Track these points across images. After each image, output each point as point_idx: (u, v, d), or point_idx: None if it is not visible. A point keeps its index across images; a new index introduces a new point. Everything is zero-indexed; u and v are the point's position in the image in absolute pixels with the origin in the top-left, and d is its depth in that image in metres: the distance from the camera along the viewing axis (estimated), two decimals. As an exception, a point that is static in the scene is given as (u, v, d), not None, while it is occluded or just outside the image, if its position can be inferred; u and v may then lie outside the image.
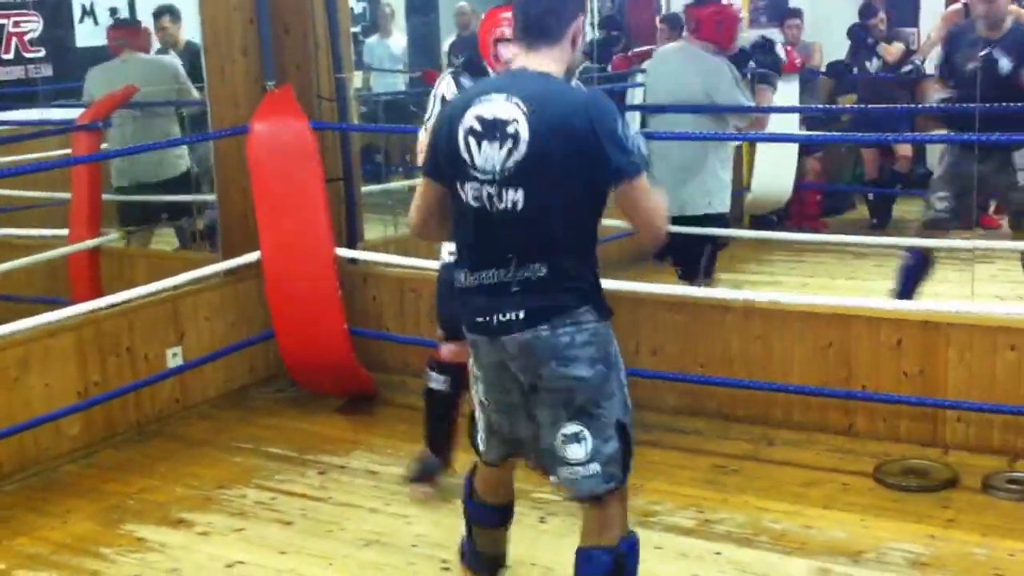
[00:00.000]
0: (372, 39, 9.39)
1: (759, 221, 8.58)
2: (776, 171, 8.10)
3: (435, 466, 4.50)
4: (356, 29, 8.42)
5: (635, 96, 9.42)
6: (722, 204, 5.72)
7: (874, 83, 8.66)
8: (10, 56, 6.76)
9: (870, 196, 9.00)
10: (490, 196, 2.87)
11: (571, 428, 2.97)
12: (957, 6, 8.21)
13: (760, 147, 8.28)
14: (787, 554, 3.94)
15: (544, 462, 3.12)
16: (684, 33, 6.10)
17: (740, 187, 8.81)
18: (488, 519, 3.50)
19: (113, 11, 7.75)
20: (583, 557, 3.08)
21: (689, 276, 5.75)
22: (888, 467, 4.52)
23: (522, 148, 2.82)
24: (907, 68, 8.52)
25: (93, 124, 5.82)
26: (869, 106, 8.42)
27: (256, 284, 5.54)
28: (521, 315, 2.91)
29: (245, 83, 5.72)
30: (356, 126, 6.12)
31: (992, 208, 8.16)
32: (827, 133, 8.46)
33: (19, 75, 6.84)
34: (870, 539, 4.01)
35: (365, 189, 6.32)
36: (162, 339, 5.41)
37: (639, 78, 8.16)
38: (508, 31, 3.71)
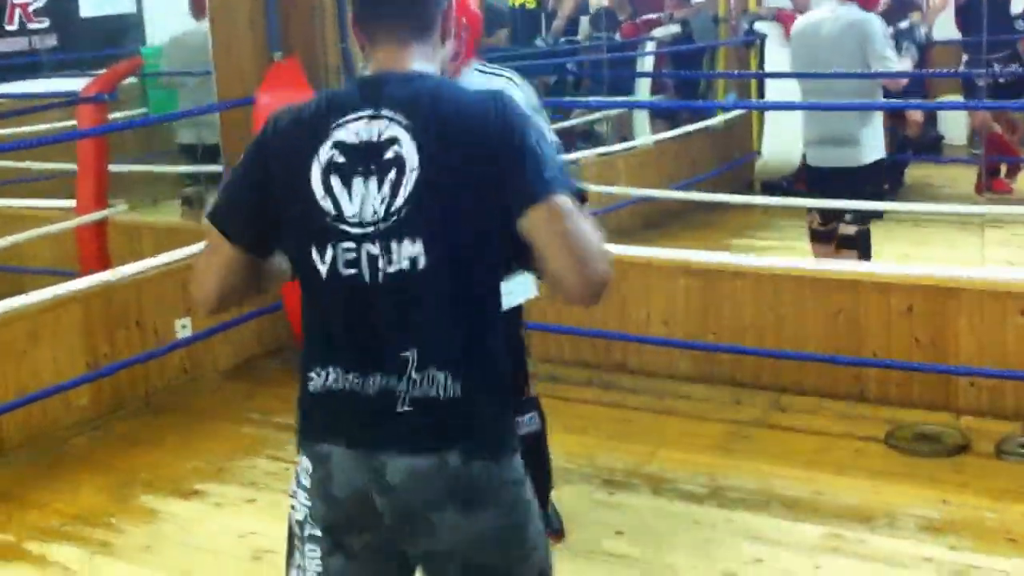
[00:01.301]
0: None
1: (769, 186, 8.56)
2: (786, 137, 8.05)
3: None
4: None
5: (644, 64, 9.40)
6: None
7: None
8: (14, 27, 6.74)
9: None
10: (372, 258, 1.94)
11: None
12: None
13: (770, 114, 8.24)
14: (799, 520, 3.93)
15: None
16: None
17: (750, 152, 8.80)
18: None
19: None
20: None
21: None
22: (900, 432, 4.50)
23: (411, 178, 1.94)
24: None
25: (99, 96, 5.80)
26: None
27: (265, 255, 5.51)
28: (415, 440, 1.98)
29: (252, 55, 5.68)
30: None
31: (1004, 171, 8.15)
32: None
33: (22, 47, 6.82)
34: (882, 504, 3.99)
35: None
36: (171, 311, 5.40)
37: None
38: None
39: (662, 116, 9.09)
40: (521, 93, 3.17)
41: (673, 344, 5.10)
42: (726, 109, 8.77)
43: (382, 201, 1.94)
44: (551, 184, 1.91)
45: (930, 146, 9.22)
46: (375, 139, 1.96)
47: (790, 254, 5.85)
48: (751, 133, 8.87)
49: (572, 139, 9.17)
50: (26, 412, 4.79)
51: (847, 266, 5.03)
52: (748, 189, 8.69)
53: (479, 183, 1.92)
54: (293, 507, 2.14)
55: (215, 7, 5.67)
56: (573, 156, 8.11)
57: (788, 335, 4.90)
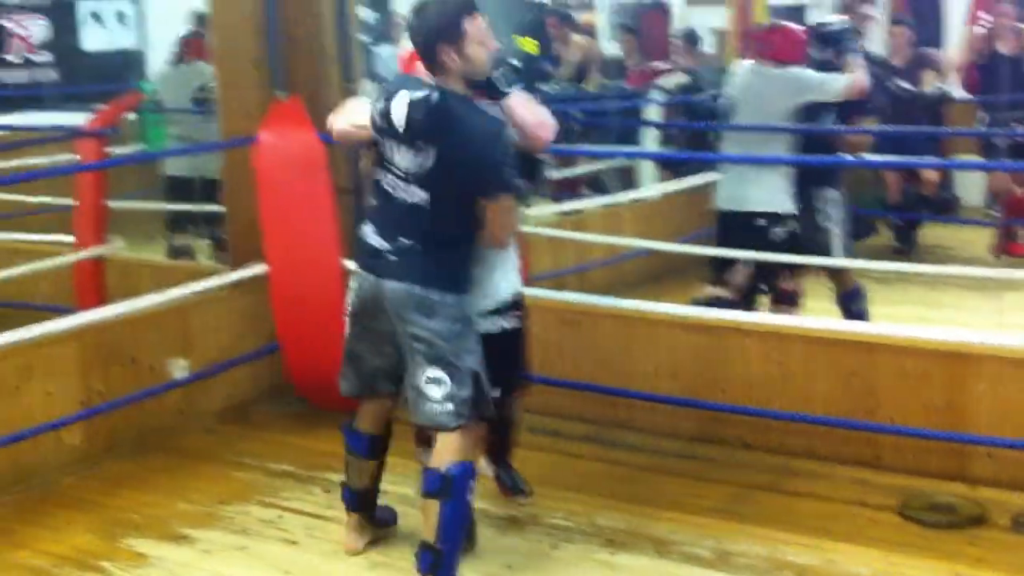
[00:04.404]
0: (383, 48, 9.30)
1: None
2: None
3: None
4: (366, 39, 8.37)
5: (650, 112, 9.36)
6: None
7: (896, 107, 8.51)
8: (16, 59, 6.73)
9: (896, 221, 8.85)
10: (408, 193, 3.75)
11: (434, 373, 3.56)
12: (982, 29, 8.19)
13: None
14: (810, 590, 3.81)
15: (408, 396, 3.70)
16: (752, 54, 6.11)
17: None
18: (356, 446, 4.02)
19: (120, 15, 7.74)
20: (422, 476, 3.66)
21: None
22: (914, 502, 4.38)
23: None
24: (931, 90, 8.39)
25: (100, 131, 5.74)
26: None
27: (263, 296, 5.42)
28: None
29: (257, 93, 5.60)
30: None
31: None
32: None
33: (24, 79, 6.81)
34: (895, 576, 3.88)
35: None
36: (167, 350, 5.30)
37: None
38: None
39: (669, 167, 9.02)
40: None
41: (678, 402, 4.99)
42: (731, 161, 8.70)
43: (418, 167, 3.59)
44: (500, 189, 3.58)
45: (945, 207, 9.11)
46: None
47: (803, 313, 5.75)
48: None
49: (577, 188, 9.11)
50: (16, 449, 4.69)
51: (861, 327, 4.94)
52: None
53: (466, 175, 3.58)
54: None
55: (220, 46, 5.63)
56: (578, 205, 8.05)
57: (798, 396, 4.80)
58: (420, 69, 3.73)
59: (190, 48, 7.97)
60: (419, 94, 3.60)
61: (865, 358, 4.70)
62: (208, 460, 5.06)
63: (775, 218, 5.56)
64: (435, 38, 3.57)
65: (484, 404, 3.68)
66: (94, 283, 5.78)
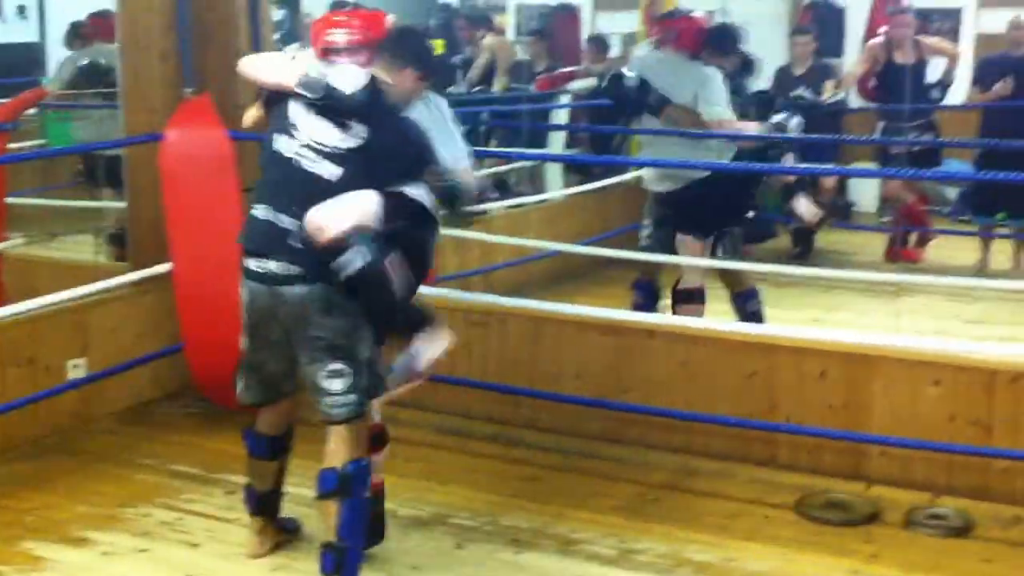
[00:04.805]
0: (293, 47, 9.23)
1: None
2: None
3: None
4: (275, 36, 8.30)
5: (559, 116, 9.42)
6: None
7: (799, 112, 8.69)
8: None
9: (793, 225, 9.01)
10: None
11: (335, 366, 3.55)
12: (880, 39, 8.39)
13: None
14: (711, 587, 3.87)
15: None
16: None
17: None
18: (257, 448, 4.01)
19: (21, 9, 7.59)
20: (319, 476, 3.62)
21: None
22: (810, 500, 4.47)
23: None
24: (833, 99, 8.58)
25: (1, 126, 5.63)
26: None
27: (165, 296, 5.35)
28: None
29: (162, 88, 5.54)
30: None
31: (915, 240, 8.29)
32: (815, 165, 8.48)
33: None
34: (793, 573, 3.97)
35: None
36: (64, 350, 5.21)
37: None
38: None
39: (576, 170, 9.09)
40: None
41: (583, 402, 5.03)
42: (638, 165, 8.81)
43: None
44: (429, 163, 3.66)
45: (840, 212, 9.34)
46: None
47: (706, 315, 5.84)
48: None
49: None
50: (-94, 451, 4.57)
51: (762, 329, 5.03)
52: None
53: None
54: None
55: (125, 36, 5.54)
56: (483, 207, 8.06)
57: (700, 397, 4.87)
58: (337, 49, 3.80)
59: (95, 29, 7.51)
60: (365, 75, 3.63)
61: (766, 359, 4.78)
62: (108, 462, 4.98)
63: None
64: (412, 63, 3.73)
65: (378, 389, 3.71)
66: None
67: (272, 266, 3.60)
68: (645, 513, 4.43)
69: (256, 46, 5.59)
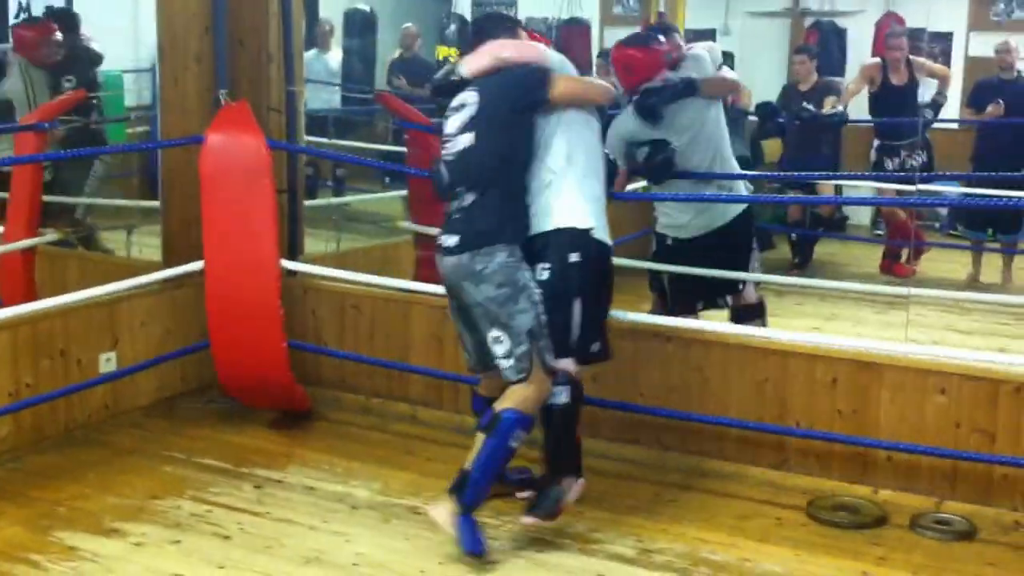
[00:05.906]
0: (310, 53, 9.37)
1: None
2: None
3: (561, 494, 4.33)
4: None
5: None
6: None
7: (801, 127, 8.93)
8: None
9: (793, 236, 9.20)
10: None
11: (495, 333, 4.07)
12: (876, 60, 8.75)
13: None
14: (727, 586, 4.00)
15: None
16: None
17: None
18: (479, 410, 4.40)
19: (49, 9, 7.67)
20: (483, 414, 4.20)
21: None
22: (820, 503, 4.61)
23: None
24: (832, 112, 8.78)
25: (39, 125, 5.74)
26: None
27: (193, 293, 5.48)
28: None
29: (197, 91, 5.67)
30: (313, 149, 6.13)
31: (907, 255, 8.50)
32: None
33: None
34: (805, 574, 4.09)
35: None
36: (96, 344, 5.33)
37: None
38: None
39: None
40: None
41: (600, 404, 5.14)
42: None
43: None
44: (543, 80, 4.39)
45: (836, 225, 9.62)
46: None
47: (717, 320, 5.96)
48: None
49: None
50: (-58, 441, 4.66)
51: (776, 334, 5.14)
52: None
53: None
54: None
55: (165, 40, 5.67)
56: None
57: (713, 401, 4.98)
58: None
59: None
60: None
61: (778, 365, 4.90)
62: (135, 454, 5.08)
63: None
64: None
65: (544, 359, 4.10)
66: (24, 276, 5.76)
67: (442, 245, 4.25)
68: (662, 514, 4.55)
69: (287, 50, 5.72)
